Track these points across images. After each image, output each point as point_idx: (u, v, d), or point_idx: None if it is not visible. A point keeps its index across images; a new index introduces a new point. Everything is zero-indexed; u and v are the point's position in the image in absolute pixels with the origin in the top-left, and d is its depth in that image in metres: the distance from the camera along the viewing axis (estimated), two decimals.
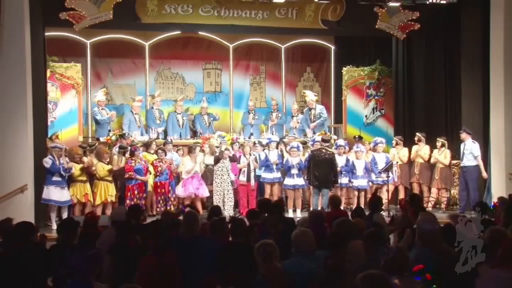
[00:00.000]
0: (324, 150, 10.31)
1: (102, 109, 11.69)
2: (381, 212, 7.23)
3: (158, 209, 10.24)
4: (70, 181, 9.74)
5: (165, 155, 10.52)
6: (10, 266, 4.19)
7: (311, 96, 12.57)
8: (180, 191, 10.38)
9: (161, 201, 10.27)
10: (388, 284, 3.56)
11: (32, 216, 8.75)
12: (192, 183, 10.33)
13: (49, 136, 10.43)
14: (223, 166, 10.36)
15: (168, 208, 10.15)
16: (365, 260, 4.49)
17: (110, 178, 10.00)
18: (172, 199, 10.34)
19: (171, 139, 11.21)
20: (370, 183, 11.12)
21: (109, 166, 9.99)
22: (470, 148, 10.56)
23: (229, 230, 5.41)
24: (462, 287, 3.88)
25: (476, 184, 10.57)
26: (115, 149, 10.54)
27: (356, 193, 11.05)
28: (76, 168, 9.77)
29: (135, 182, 9.86)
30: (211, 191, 10.56)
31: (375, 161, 11.13)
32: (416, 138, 11.38)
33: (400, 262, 4.01)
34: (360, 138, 11.86)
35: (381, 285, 3.53)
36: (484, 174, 10.53)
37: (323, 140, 10.62)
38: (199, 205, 10.01)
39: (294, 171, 10.52)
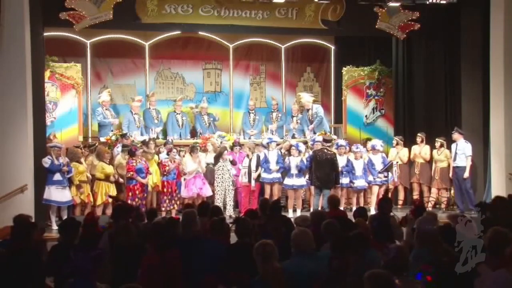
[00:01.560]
0: (325, 150, 10.33)
1: (106, 109, 11.69)
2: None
3: (163, 208, 10.25)
4: (72, 181, 9.73)
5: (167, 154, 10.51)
6: (10, 266, 4.18)
7: (306, 97, 12.50)
8: (183, 191, 10.36)
9: (167, 201, 10.26)
10: (392, 283, 3.55)
11: (32, 216, 8.69)
12: (195, 183, 10.30)
13: (46, 136, 10.41)
14: (224, 166, 10.34)
15: (172, 207, 10.22)
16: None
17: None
18: (176, 198, 10.34)
19: (171, 139, 11.20)
20: (367, 184, 11.08)
21: (110, 166, 9.98)
22: (463, 148, 10.62)
23: (234, 231, 5.39)
24: (462, 287, 3.87)
25: (470, 183, 10.61)
26: (117, 150, 10.52)
27: (355, 193, 11.05)
28: (78, 169, 9.76)
29: (136, 182, 9.87)
30: (212, 190, 10.56)
31: (372, 162, 11.12)
32: (419, 139, 11.37)
33: (400, 262, 4.00)
34: (369, 140, 11.86)
35: (386, 285, 3.53)
36: (466, 175, 10.55)
37: (325, 140, 10.64)
38: None
39: (294, 171, 10.52)
